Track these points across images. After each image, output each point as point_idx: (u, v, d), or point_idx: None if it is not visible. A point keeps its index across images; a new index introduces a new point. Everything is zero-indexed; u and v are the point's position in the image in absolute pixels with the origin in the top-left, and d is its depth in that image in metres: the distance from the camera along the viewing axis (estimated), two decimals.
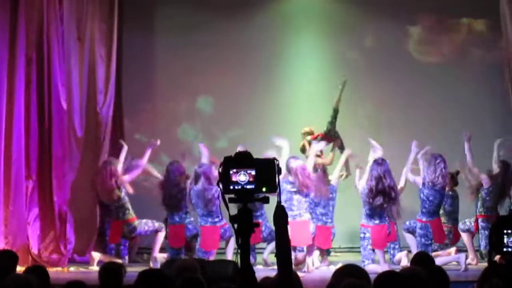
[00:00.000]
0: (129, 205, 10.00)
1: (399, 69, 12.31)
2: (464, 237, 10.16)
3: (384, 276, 4.14)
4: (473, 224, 10.14)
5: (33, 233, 9.85)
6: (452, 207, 10.30)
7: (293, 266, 4.98)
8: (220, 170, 3.64)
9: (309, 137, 10.60)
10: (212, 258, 9.28)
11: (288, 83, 12.46)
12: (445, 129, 11.91)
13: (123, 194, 9.94)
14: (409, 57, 12.47)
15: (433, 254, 8.81)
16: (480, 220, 10.05)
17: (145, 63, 12.47)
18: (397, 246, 9.72)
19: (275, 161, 3.67)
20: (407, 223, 9.81)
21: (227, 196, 3.67)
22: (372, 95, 12.29)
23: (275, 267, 3.83)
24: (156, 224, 10.05)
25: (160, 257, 9.74)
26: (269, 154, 8.83)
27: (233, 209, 3.73)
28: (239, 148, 9.65)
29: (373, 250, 9.36)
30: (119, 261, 8.84)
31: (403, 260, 9.34)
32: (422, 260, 5.46)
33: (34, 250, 9.81)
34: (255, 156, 3.71)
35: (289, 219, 4.66)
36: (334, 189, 10.09)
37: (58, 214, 9.94)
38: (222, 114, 12.47)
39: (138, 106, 12.36)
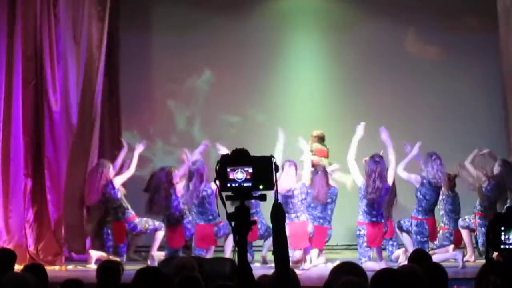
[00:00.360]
0: (127, 204, 10.02)
1: (398, 69, 12.29)
2: (464, 233, 10.13)
3: (382, 274, 4.14)
4: (472, 221, 10.12)
5: (31, 232, 9.85)
6: (453, 206, 10.13)
7: (291, 264, 4.99)
8: (217, 168, 3.64)
9: (314, 148, 10.70)
10: (210, 255, 9.28)
11: (286, 81, 12.43)
12: (445, 129, 11.91)
13: (119, 194, 9.95)
14: (408, 56, 12.44)
15: (430, 252, 8.79)
16: (477, 217, 10.05)
17: (142, 62, 12.45)
18: (395, 243, 9.70)
19: (272, 158, 3.67)
20: (401, 221, 9.81)
21: (224, 194, 3.67)
22: (370, 94, 12.26)
23: (273, 264, 3.83)
24: (156, 223, 10.06)
25: (157, 255, 9.75)
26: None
27: (230, 207, 3.73)
28: (218, 146, 9.70)
29: (370, 247, 9.37)
30: (117, 259, 8.86)
31: (401, 257, 9.34)
32: (420, 257, 5.47)
33: (32, 249, 9.80)
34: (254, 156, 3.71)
35: (287, 221, 4.66)
36: (335, 193, 10.01)
37: (54, 213, 9.93)
38: (220, 112, 12.46)
39: (135, 104, 12.34)
